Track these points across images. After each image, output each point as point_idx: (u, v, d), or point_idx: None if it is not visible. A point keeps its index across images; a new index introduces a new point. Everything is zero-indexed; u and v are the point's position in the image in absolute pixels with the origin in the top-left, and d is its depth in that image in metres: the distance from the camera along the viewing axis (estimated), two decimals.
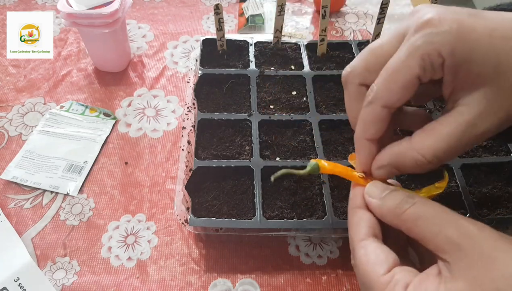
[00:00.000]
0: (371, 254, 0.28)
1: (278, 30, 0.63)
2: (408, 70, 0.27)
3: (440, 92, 0.29)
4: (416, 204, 0.28)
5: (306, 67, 0.62)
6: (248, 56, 0.63)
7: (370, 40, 0.65)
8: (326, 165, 0.33)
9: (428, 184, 0.35)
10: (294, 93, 0.59)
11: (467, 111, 0.26)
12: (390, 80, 0.28)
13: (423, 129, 0.28)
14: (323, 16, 0.60)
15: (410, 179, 0.51)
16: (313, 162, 0.33)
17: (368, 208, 0.31)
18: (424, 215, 0.27)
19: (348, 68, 0.32)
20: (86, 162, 0.57)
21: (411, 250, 0.33)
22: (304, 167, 0.34)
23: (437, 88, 0.29)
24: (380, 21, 0.63)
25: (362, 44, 0.66)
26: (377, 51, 0.30)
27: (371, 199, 0.30)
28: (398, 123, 0.33)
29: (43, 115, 0.63)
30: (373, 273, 0.27)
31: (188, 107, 0.59)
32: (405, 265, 0.28)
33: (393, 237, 0.31)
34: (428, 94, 0.33)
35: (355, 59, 0.32)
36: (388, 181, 0.33)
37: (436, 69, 0.27)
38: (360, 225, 0.30)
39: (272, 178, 0.33)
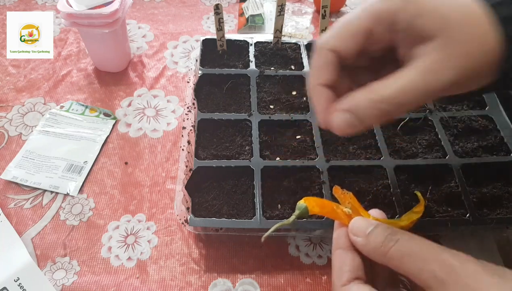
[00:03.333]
0: None
1: (278, 30, 0.63)
2: (359, 22, 0.29)
3: (393, 58, 0.30)
4: (399, 241, 0.28)
5: (306, 67, 0.62)
6: (248, 56, 0.63)
7: None
8: (315, 205, 0.33)
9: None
10: (294, 93, 0.59)
11: (421, 62, 0.28)
12: (340, 27, 0.30)
13: (382, 79, 0.29)
14: (323, 16, 0.60)
15: (411, 180, 0.51)
16: (302, 204, 0.33)
17: (352, 248, 0.31)
18: (408, 251, 0.28)
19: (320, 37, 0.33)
20: (86, 162, 0.57)
21: None
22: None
23: (390, 54, 0.31)
24: None
25: None
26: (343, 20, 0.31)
27: (356, 238, 0.31)
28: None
29: (43, 115, 0.63)
30: None
31: (188, 107, 0.59)
32: None
33: (383, 268, 0.31)
34: (383, 60, 0.33)
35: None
36: (371, 212, 0.33)
37: (386, 26, 0.29)
38: (342, 269, 0.30)
39: (263, 239, 0.33)
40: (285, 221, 0.33)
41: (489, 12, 0.28)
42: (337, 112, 0.30)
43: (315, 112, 0.32)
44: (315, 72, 0.31)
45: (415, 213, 0.35)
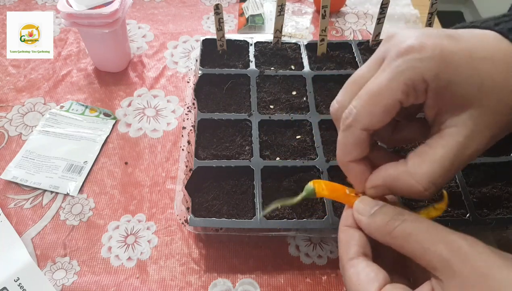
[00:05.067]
0: (361, 273, 0.28)
1: (278, 30, 0.63)
2: (391, 95, 0.27)
3: (417, 112, 0.30)
4: (406, 221, 0.28)
5: (306, 67, 0.62)
6: (248, 56, 0.63)
7: (370, 40, 0.65)
8: (324, 187, 0.33)
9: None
10: (294, 93, 0.59)
11: (457, 133, 0.27)
12: (371, 103, 0.28)
13: (416, 153, 0.28)
14: (323, 16, 0.60)
15: None
16: (310, 186, 0.33)
17: (359, 226, 0.30)
18: (414, 231, 0.27)
19: (335, 103, 0.31)
20: (86, 162, 0.57)
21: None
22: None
23: (417, 110, 0.30)
24: (380, 21, 0.63)
25: (362, 44, 0.66)
26: (361, 82, 0.30)
27: (360, 216, 0.30)
28: (391, 142, 0.34)
29: (43, 115, 0.63)
30: None
31: (188, 107, 0.59)
32: (398, 281, 0.28)
33: (385, 253, 0.30)
34: (408, 115, 0.33)
35: (340, 93, 0.31)
36: (388, 197, 0.32)
37: (419, 94, 0.27)
38: (350, 244, 0.30)
39: (262, 214, 0.33)
40: (290, 200, 0.32)
41: None
42: (373, 189, 0.30)
43: (351, 182, 0.32)
44: (345, 150, 0.30)
45: (436, 210, 0.33)
